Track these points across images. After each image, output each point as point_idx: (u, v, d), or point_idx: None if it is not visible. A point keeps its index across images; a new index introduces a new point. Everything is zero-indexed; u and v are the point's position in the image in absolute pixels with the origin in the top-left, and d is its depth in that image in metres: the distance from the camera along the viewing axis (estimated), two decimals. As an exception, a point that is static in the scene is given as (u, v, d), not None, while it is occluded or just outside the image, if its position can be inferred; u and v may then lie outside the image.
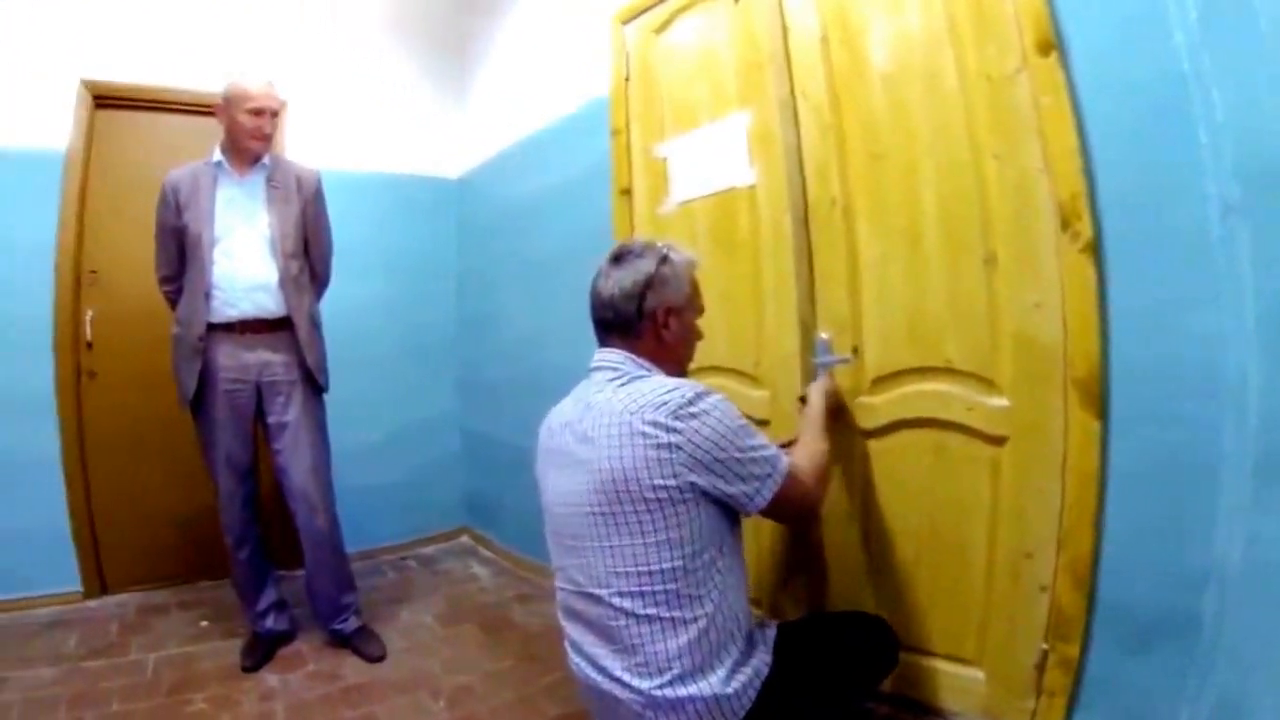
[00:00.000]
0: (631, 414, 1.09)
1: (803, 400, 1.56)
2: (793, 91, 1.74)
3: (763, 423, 1.76)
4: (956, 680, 1.44)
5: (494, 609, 2.50)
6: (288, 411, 2.04)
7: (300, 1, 2.94)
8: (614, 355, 1.21)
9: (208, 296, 1.96)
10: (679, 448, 1.06)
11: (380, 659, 2.08)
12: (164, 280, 2.10)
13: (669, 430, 1.06)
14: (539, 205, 2.62)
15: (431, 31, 3.29)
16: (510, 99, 2.91)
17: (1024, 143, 1.29)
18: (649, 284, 1.21)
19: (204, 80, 2.54)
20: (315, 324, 2.09)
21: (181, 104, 2.65)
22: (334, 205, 2.20)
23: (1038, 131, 1.27)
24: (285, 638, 2.15)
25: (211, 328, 1.97)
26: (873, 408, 1.57)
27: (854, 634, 1.28)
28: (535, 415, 2.53)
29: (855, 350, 1.59)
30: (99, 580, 2.49)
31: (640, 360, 1.20)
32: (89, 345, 2.51)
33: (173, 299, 2.08)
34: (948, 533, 1.44)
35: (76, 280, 2.48)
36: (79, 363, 2.48)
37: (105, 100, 2.53)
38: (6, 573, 2.35)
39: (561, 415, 1.24)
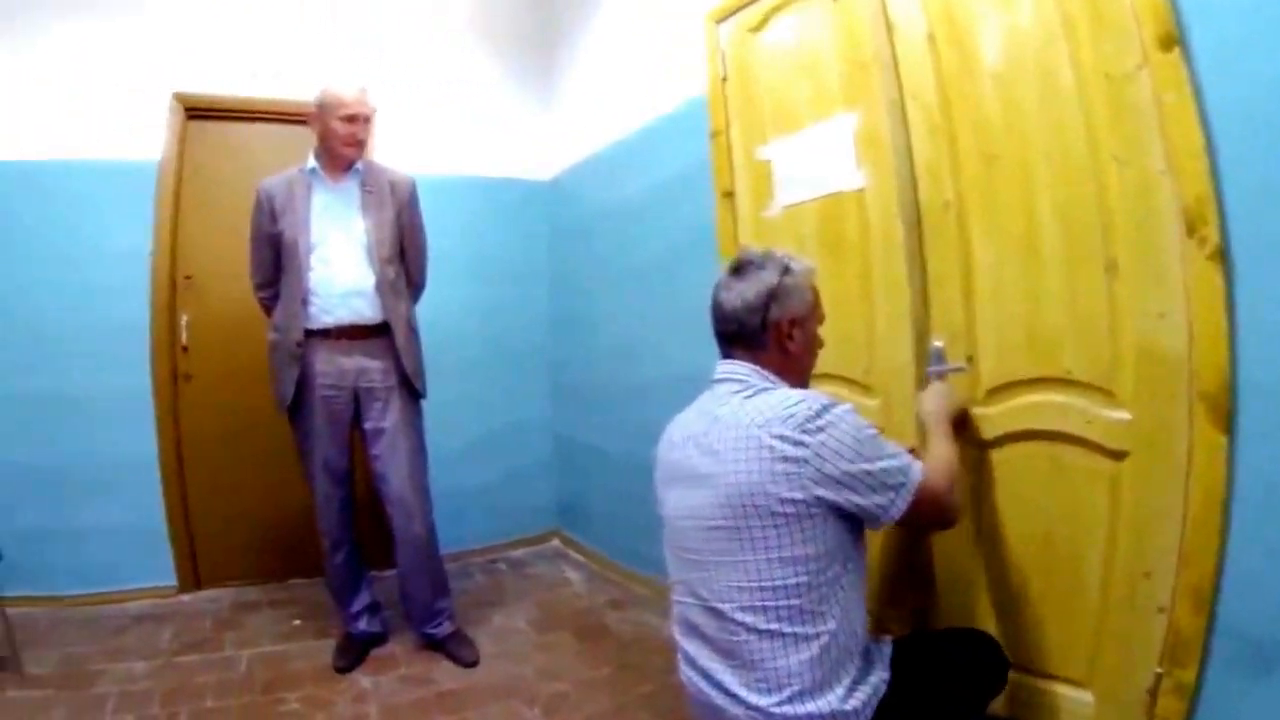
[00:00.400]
0: (759, 427, 1.15)
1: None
2: (901, 92, 1.84)
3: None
4: (1065, 702, 1.51)
5: (587, 615, 2.66)
6: (385, 417, 2.21)
7: (384, 8, 3.23)
8: (739, 368, 1.29)
9: (304, 303, 2.13)
10: (807, 461, 1.12)
11: (474, 664, 2.23)
12: (259, 286, 2.30)
13: (796, 444, 1.12)
14: (636, 208, 2.80)
15: (518, 33, 3.55)
16: (601, 100, 3.12)
17: (1146, 143, 1.33)
18: (772, 295, 1.28)
19: (292, 89, 2.84)
20: (412, 329, 2.28)
21: (270, 113, 2.95)
22: (426, 209, 2.42)
23: (1160, 131, 1.31)
24: (378, 639, 2.34)
25: (309, 334, 2.14)
26: (987, 419, 1.64)
27: (963, 651, 1.34)
28: (632, 421, 2.74)
29: (970, 359, 1.65)
30: (193, 576, 2.80)
31: (765, 372, 1.28)
32: (184, 349, 2.82)
33: (268, 305, 2.29)
34: (1062, 549, 1.49)
35: (172, 285, 2.79)
36: (175, 366, 2.79)
37: (196, 111, 2.85)
38: (103, 566, 2.67)
39: (684, 427, 1.33)
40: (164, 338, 2.74)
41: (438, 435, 2.45)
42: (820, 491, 1.12)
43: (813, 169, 2.00)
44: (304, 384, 2.15)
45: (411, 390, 2.25)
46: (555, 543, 3.46)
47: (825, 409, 1.16)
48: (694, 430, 1.28)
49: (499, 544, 3.32)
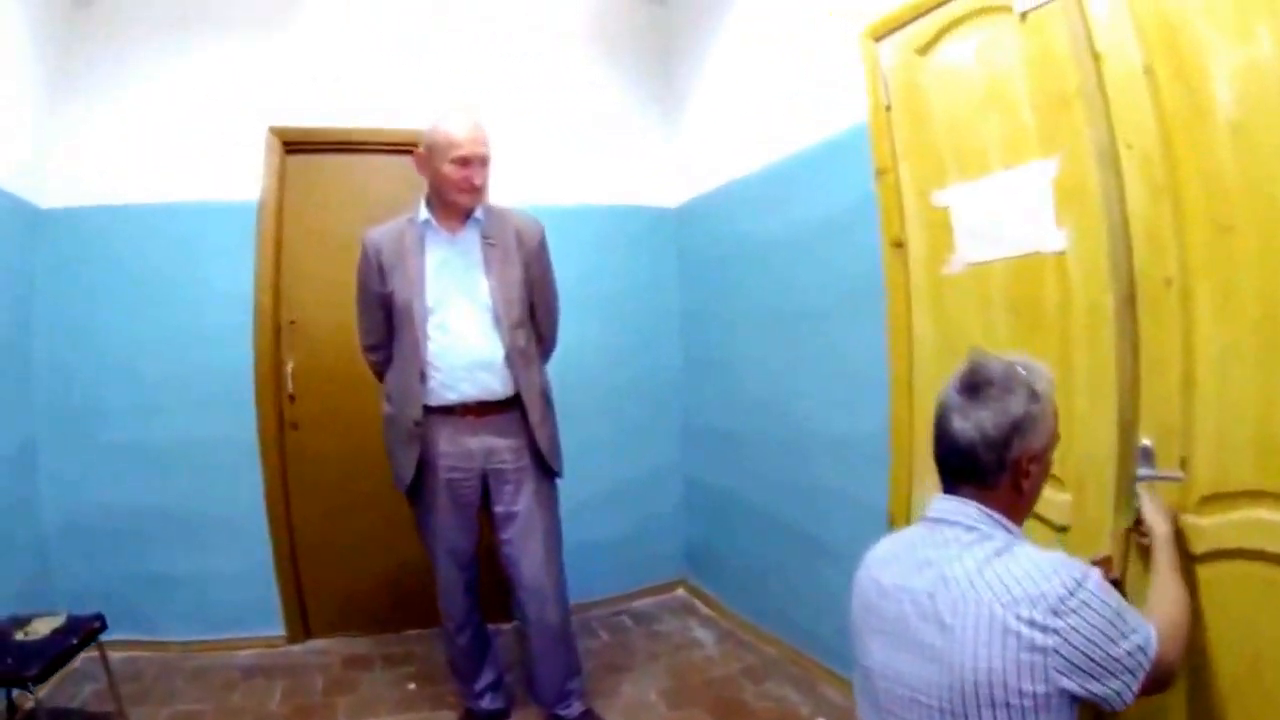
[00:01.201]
0: (1003, 607, 1.15)
1: (1137, 525, 1.61)
2: (1112, 137, 1.79)
3: (1062, 528, 1.92)
4: None
5: (723, 686, 2.80)
6: (518, 500, 2.28)
7: (487, 23, 3.41)
8: (967, 509, 1.28)
9: (423, 377, 2.20)
10: (1056, 651, 1.12)
11: (604, 747, 2.39)
12: (369, 349, 2.39)
13: (1046, 630, 1.12)
14: (784, 246, 2.91)
15: (636, 46, 3.72)
16: (735, 123, 3.23)
17: None
18: (1016, 429, 1.25)
19: (393, 118, 3.10)
20: (547, 400, 2.35)
21: (372, 144, 3.17)
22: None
23: None
24: (500, 715, 2.51)
25: (429, 410, 2.21)
26: (1198, 530, 1.61)
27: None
28: (777, 475, 2.93)
29: (1183, 461, 1.65)
30: (302, 625, 3.13)
31: (995, 514, 1.27)
32: (291, 398, 3.09)
33: (379, 369, 2.39)
34: (1272, 680, 1.47)
35: (276, 330, 3.05)
36: (281, 414, 3.07)
37: (294, 145, 3.10)
38: (210, 614, 3.02)
39: (896, 573, 1.33)
40: (269, 385, 3.03)
41: (562, 484, 2.58)
42: (1065, 683, 1.13)
43: (1003, 223, 2.03)
44: (425, 465, 2.23)
45: (546, 468, 2.34)
46: (681, 592, 3.69)
47: (1079, 584, 1.15)
48: (913, 584, 1.27)
49: (623, 594, 3.56)
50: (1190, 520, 1.64)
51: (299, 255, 3.14)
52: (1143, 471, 1.70)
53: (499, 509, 2.28)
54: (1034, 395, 1.27)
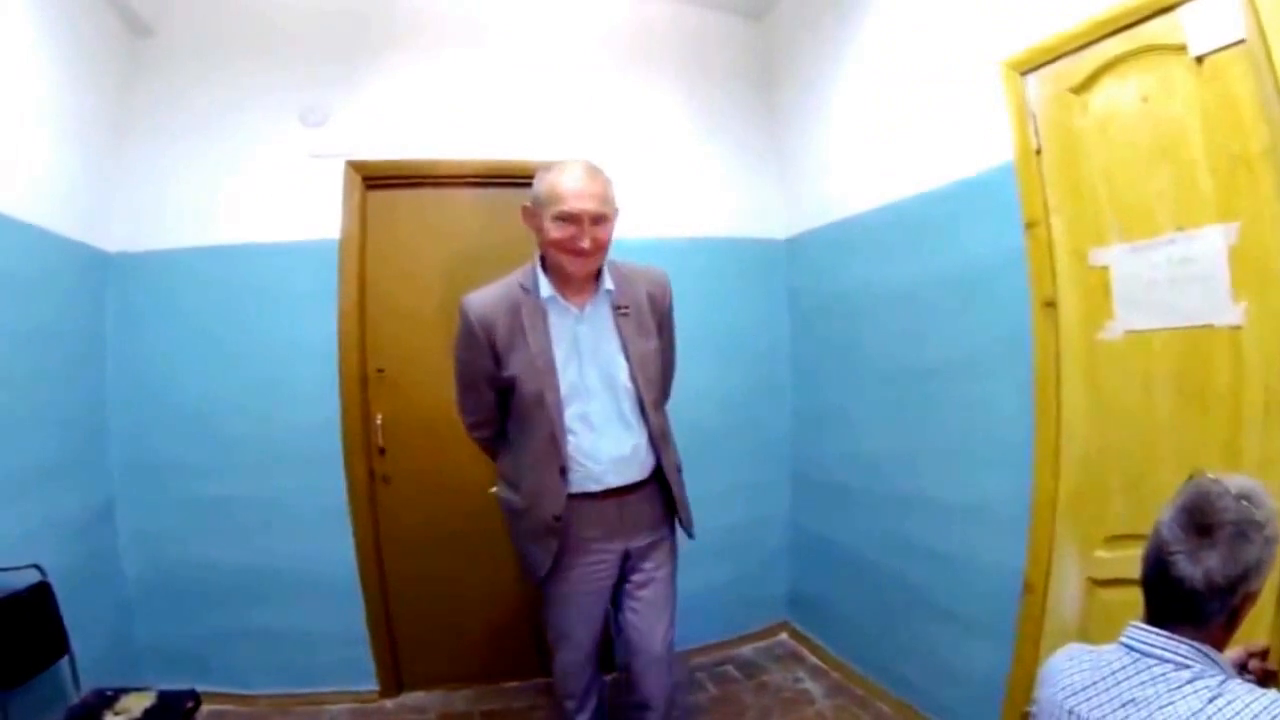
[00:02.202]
0: None
1: None
2: None
3: None
4: None
5: None
6: (654, 572, 2.19)
7: (574, 46, 3.29)
8: (1179, 647, 1.19)
9: (564, 472, 2.03)
10: None
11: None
12: (476, 426, 2.23)
13: None
14: (912, 292, 2.76)
15: (733, 66, 3.57)
16: (851, 152, 3.08)
17: None
18: (1246, 577, 1.18)
19: (477, 148, 3.01)
20: (679, 468, 2.25)
21: (457, 176, 3.06)
22: None
23: None
24: None
25: (569, 497, 2.07)
26: None
27: None
28: (899, 528, 2.83)
29: None
30: (395, 680, 3.11)
31: (1207, 650, 1.20)
32: (381, 451, 3.01)
33: (490, 446, 2.25)
34: None
35: (363, 381, 2.97)
36: (371, 468, 3.00)
37: (375, 180, 2.99)
38: (301, 668, 3.00)
39: (1096, 707, 1.25)
40: (357, 438, 2.96)
41: None
42: None
43: (1170, 290, 1.90)
44: (563, 555, 2.08)
45: (675, 535, 2.27)
46: (784, 637, 3.63)
47: None
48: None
49: (726, 640, 3.51)
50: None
51: (384, 298, 3.03)
52: None
53: (634, 578, 2.17)
54: (1268, 541, 1.19)
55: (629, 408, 2.08)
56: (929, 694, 2.67)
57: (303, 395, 2.93)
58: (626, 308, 2.09)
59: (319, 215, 2.96)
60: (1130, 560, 1.96)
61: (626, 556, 2.16)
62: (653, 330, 2.15)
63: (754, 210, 3.56)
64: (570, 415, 2.02)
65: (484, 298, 2.04)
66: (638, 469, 2.12)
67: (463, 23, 3.19)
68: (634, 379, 2.07)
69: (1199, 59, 1.76)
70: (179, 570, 2.89)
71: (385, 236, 3.05)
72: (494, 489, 2.32)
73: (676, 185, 3.40)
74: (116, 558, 2.84)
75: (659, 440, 2.14)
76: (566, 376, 2.02)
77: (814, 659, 3.37)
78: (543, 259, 2.05)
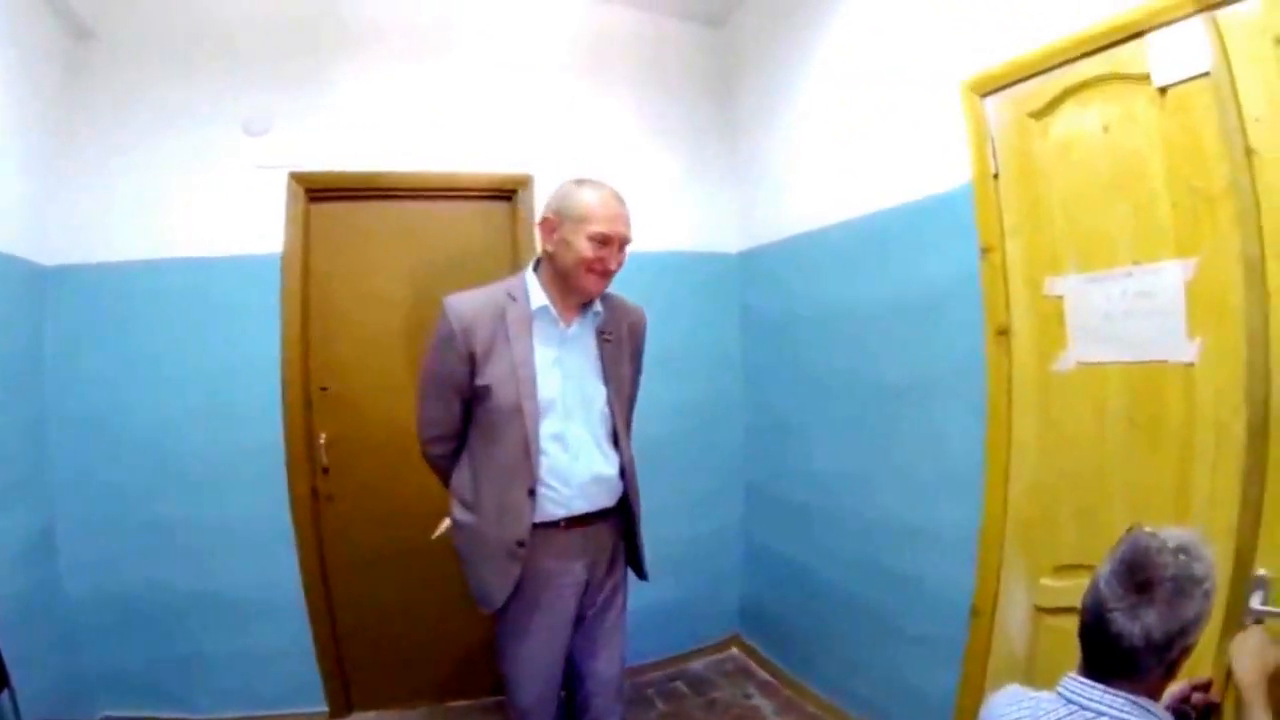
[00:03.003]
0: None
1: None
2: (1261, 247, 1.63)
3: None
4: None
5: None
6: (608, 604, 2.11)
7: (519, 55, 3.18)
8: (1115, 700, 1.20)
9: (532, 494, 1.90)
10: None
11: None
12: (435, 441, 2.06)
13: None
14: (866, 312, 2.72)
15: (690, 74, 3.50)
16: (808, 167, 3.03)
17: None
18: (1185, 632, 1.18)
19: (422, 160, 2.91)
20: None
21: (403, 190, 2.95)
22: None
23: None
24: None
25: (533, 526, 1.96)
26: None
27: None
28: (851, 547, 2.82)
29: None
30: (345, 700, 3.04)
31: (1145, 703, 1.20)
32: (325, 470, 2.91)
33: (444, 465, 2.10)
34: None
35: (306, 400, 2.86)
36: (315, 487, 2.90)
37: (318, 193, 2.85)
38: (252, 691, 2.92)
39: None
40: (301, 458, 2.86)
41: None
42: None
43: (1126, 323, 1.87)
44: (525, 582, 1.95)
45: (626, 570, 2.18)
46: (735, 651, 3.61)
47: None
48: None
49: (676, 655, 3.48)
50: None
51: (328, 314, 2.91)
52: (1255, 603, 1.59)
53: (591, 612, 2.08)
54: (1206, 595, 1.20)
55: (604, 433, 2.02)
56: (883, 712, 2.66)
57: (247, 414, 2.81)
58: (610, 334, 2.05)
59: (263, 229, 2.81)
60: (1077, 589, 1.92)
61: (585, 587, 2.06)
62: (628, 360, 2.12)
63: (707, 224, 3.49)
64: (546, 434, 1.91)
65: (468, 300, 1.94)
66: (607, 496, 2.04)
67: (411, 32, 3.05)
68: (611, 404, 2.03)
69: (1163, 90, 1.73)
70: (125, 596, 2.76)
71: (329, 251, 2.91)
72: (443, 526, 2.17)
73: (629, 198, 3.25)
74: (59, 585, 2.70)
75: (629, 469, 2.08)
76: (546, 390, 1.92)
77: (764, 674, 3.35)
78: (540, 273, 1.99)
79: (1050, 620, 2.04)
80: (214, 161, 2.80)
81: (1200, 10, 1.64)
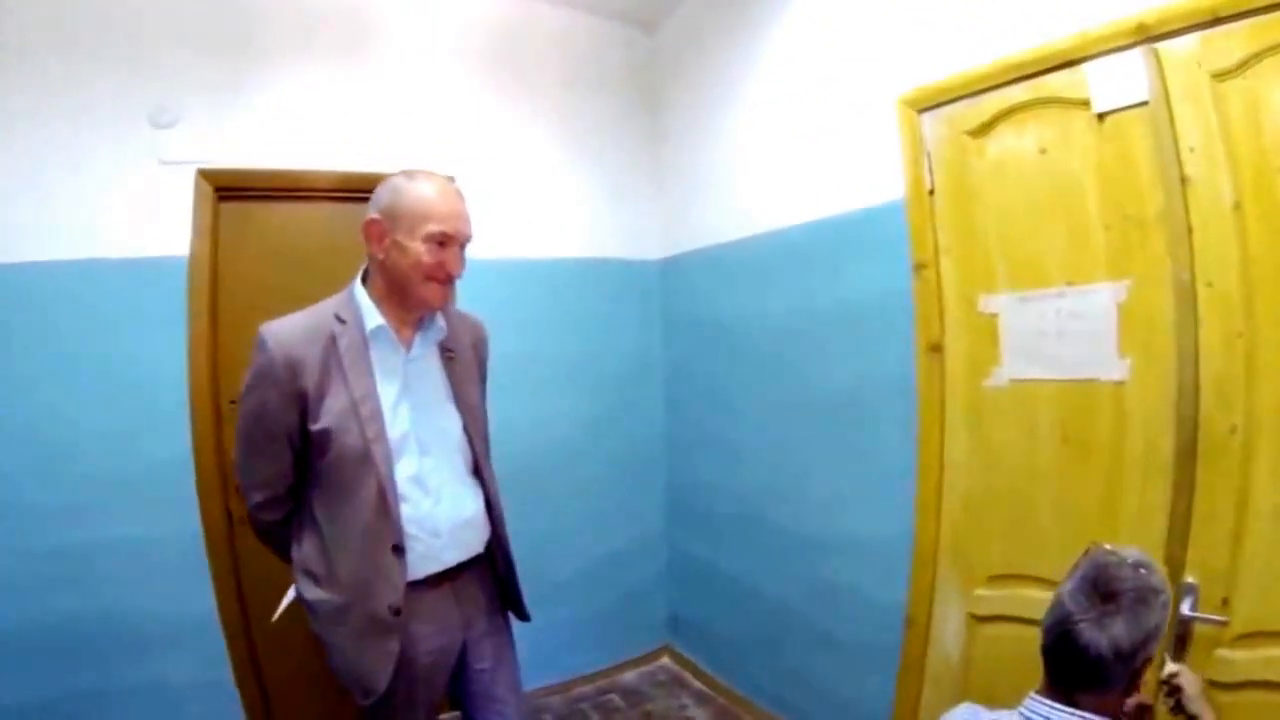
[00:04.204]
0: None
1: (1168, 683, 1.58)
2: (1192, 272, 1.70)
3: None
4: None
5: None
6: (503, 656, 1.87)
7: (441, 54, 3.06)
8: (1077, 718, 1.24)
9: (399, 550, 1.61)
10: None
11: None
12: (266, 506, 1.70)
13: None
14: (795, 324, 2.72)
15: (616, 80, 3.45)
16: (734, 176, 3.01)
17: None
18: (1148, 640, 1.22)
19: (340, 158, 2.75)
20: (507, 535, 1.93)
21: (321, 189, 2.77)
22: (512, 298, 2.42)
23: None
24: None
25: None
26: (1229, 663, 1.65)
27: None
28: (778, 558, 2.83)
29: (1225, 601, 1.66)
30: None
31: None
32: (238, 489, 2.67)
33: (275, 534, 1.77)
34: None
35: (215, 413, 2.64)
36: (228, 508, 2.69)
37: (228, 192, 2.64)
38: None
39: None
40: (211, 477, 2.64)
41: (546, 565, 2.45)
42: None
43: (1058, 342, 1.92)
44: (401, 659, 1.64)
45: (507, 618, 1.93)
46: (666, 661, 3.59)
47: None
48: None
49: (608, 668, 3.43)
50: (1223, 654, 1.63)
51: (239, 323, 2.64)
52: (1185, 610, 1.68)
53: (479, 678, 1.81)
54: (1164, 605, 1.24)
55: (464, 467, 1.76)
56: (811, 716, 2.68)
57: (156, 430, 2.55)
58: (453, 352, 1.79)
59: (170, 229, 2.54)
60: (1010, 598, 2.04)
61: (463, 649, 1.79)
62: (476, 377, 1.87)
63: (629, 230, 3.43)
64: (405, 479, 1.62)
65: (289, 327, 1.61)
66: (477, 540, 1.78)
67: (330, 27, 2.82)
68: (467, 431, 1.76)
69: (1101, 116, 1.78)
70: (32, 627, 2.45)
71: (240, 254, 2.66)
72: (285, 602, 1.86)
73: (545, 203, 3.20)
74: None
75: (496, 503, 1.83)
76: (396, 427, 1.62)
77: (698, 684, 3.35)
78: (370, 288, 1.68)
79: (985, 629, 2.09)
80: (116, 154, 2.49)
81: (1141, 41, 1.68)
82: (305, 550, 1.67)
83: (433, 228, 1.59)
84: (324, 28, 2.82)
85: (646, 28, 3.48)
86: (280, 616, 1.91)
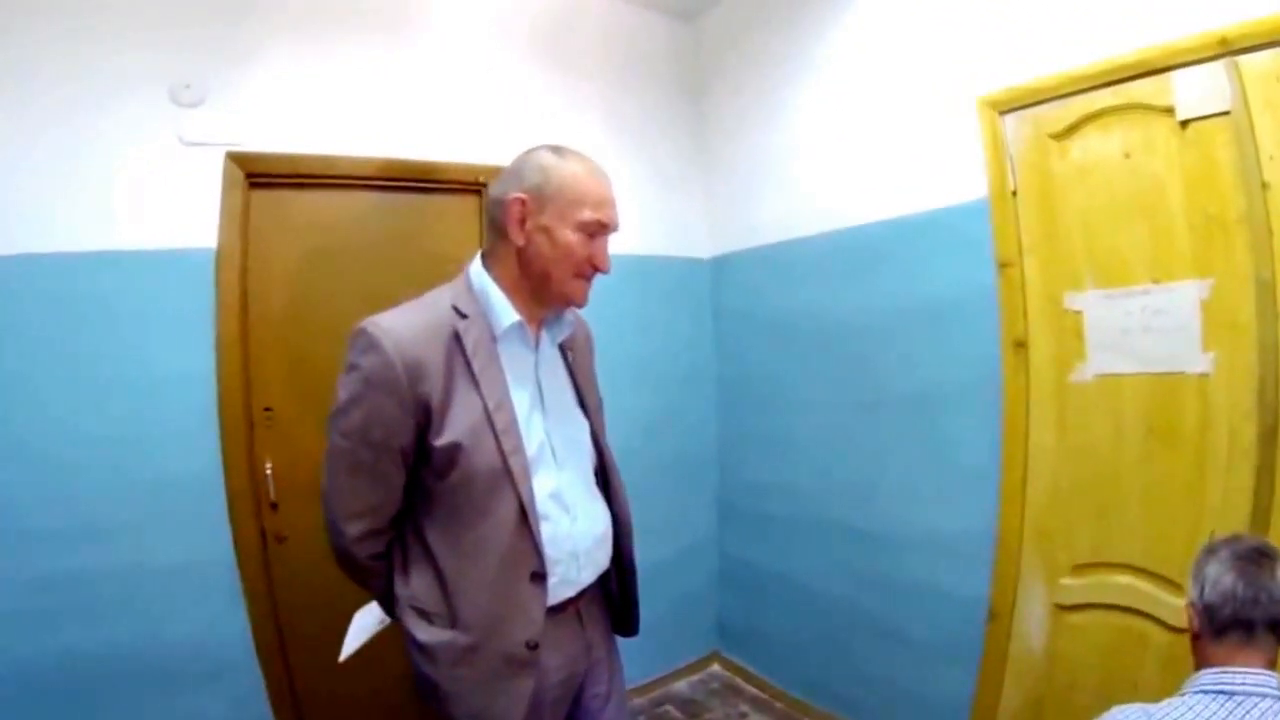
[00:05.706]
0: None
1: None
2: (1274, 271, 1.85)
3: (1178, 630, 2.00)
4: None
5: None
6: (615, 684, 1.74)
7: (481, 41, 3.00)
8: (1270, 680, 1.25)
9: (537, 578, 1.45)
10: None
11: None
12: (364, 538, 1.49)
13: None
14: (867, 322, 2.76)
15: (659, 71, 3.46)
16: (790, 171, 3.06)
17: None
18: None
19: (380, 145, 2.68)
20: None
21: (359, 177, 2.67)
22: None
23: None
24: None
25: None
26: None
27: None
28: (842, 557, 2.90)
29: None
30: None
31: None
32: (274, 506, 2.52)
33: (379, 570, 1.56)
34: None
35: (248, 423, 2.45)
36: (263, 527, 2.51)
37: (260, 178, 2.46)
38: None
39: None
40: (244, 492, 2.45)
41: None
42: None
43: (1143, 337, 2.04)
44: (537, 694, 1.50)
45: (620, 630, 1.81)
46: (716, 668, 3.61)
47: None
48: None
49: (660, 677, 3.42)
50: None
51: (273, 321, 2.48)
52: None
53: (594, 704, 1.69)
54: None
55: (592, 478, 1.63)
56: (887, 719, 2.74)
57: (178, 440, 2.32)
58: (573, 350, 1.66)
59: (194, 217, 2.33)
60: (1098, 585, 2.14)
61: (584, 676, 1.67)
62: (594, 380, 1.74)
63: (677, 227, 3.43)
64: (545, 496, 1.46)
65: (404, 323, 1.38)
66: (606, 557, 1.64)
67: (370, 6, 2.70)
68: (594, 438, 1.64)
69: (1184, 123, 1.91)
70: (36, 665, 2.17)
71: (273, 246, 2.48)
72: (360, 640, 1.76)
73: None
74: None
75: (626, 518, 1.68)
76: (532, 438, 1.46)
77: (752, 689, 3.35)
78: (494, 275, 1.48)
79: (1070, 617, 2.19)
80: (134, 134, 2.27)
81: (1224, 54, 1.83)
82: (415, 587, 1.49)
83: (587, 214, 1.43)
84: (364, 7, 2.69)
85: (691, 16, 3.47)
86: (350, 656, 1.76)
